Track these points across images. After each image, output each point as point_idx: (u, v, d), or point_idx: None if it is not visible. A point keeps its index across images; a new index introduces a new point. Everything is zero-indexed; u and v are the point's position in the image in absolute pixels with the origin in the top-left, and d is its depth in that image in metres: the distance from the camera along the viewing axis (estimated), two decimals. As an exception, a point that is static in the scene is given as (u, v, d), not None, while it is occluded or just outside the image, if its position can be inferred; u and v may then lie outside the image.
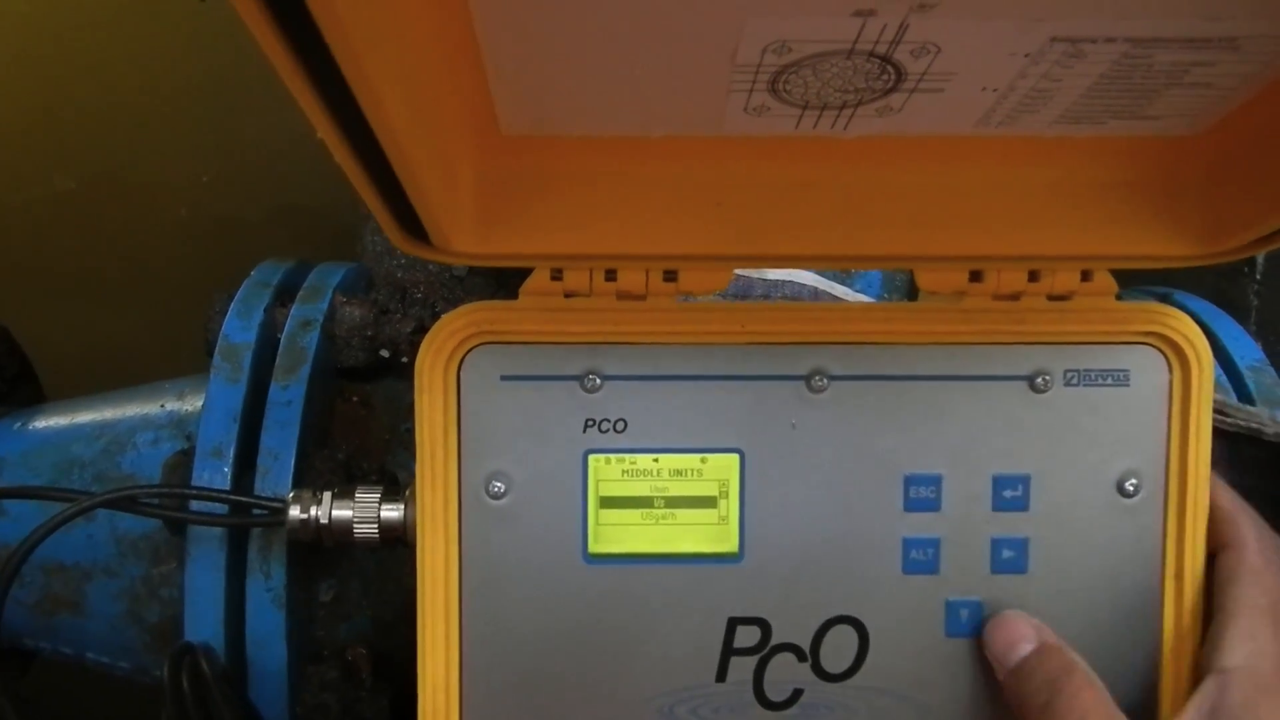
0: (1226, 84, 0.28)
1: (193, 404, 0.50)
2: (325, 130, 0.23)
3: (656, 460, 0.36)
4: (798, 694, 0.37)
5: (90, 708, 0.61)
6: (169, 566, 0.47)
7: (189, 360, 0.53)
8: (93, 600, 0.48)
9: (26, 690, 0.55)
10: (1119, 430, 0.36)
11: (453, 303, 0.53)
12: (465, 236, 0.32)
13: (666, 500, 0.36)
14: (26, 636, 0.50)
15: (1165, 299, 0.55)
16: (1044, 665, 0.34)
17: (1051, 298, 0.36)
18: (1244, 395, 0.49)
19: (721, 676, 0.37)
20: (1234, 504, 0.36)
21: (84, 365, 0.66)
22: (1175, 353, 0.36)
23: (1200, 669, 0.35)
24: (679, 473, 0.36)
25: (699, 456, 0.36)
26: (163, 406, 0.50)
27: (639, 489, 0.36)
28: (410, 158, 0.25)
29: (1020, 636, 0.35)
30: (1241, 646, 0.33)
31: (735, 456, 0.36)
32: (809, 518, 0.36)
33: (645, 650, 0.36)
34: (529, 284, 0.35)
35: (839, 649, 0.37)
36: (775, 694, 0.37)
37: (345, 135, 0.23)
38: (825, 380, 0.36)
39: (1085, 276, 0.36)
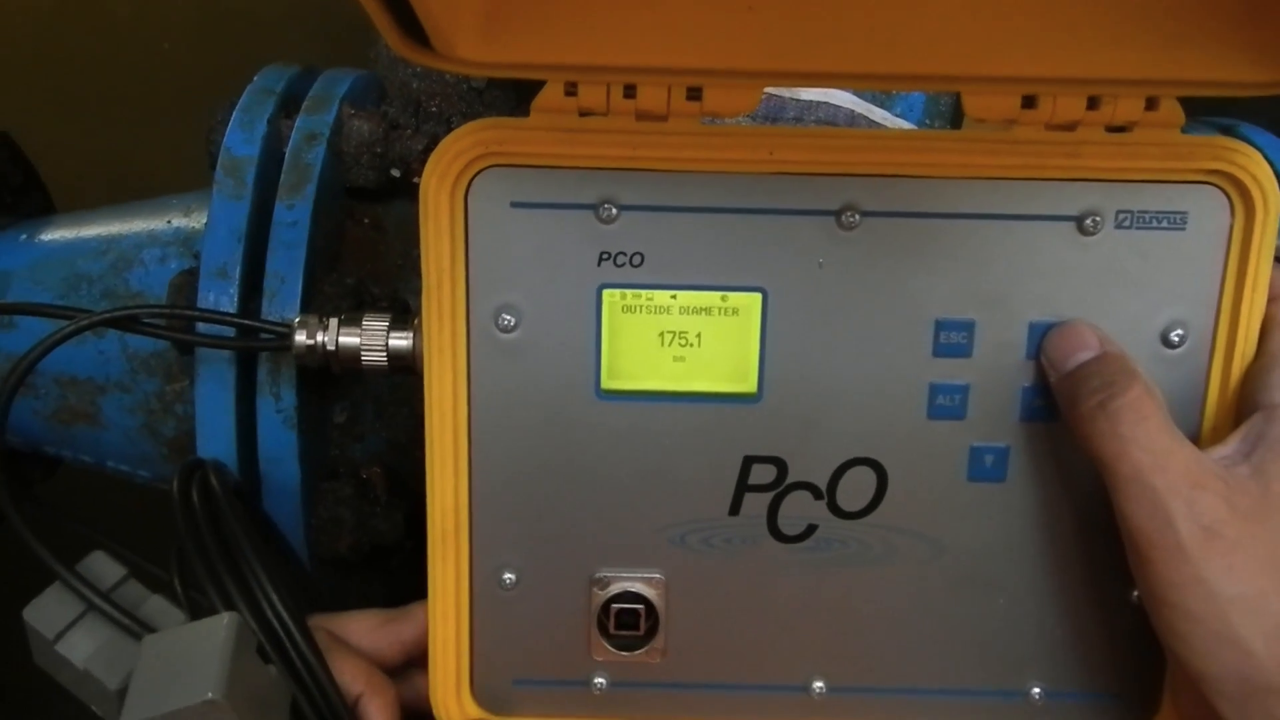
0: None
1: (199, 220, 0.48)
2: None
3: (674, 297, 0.34)
4: (812, 529, 0.36)
5: (117, 509, 0.62)
6: (182, 384, 0.46)
7: (200, 172, 0.51)
8: (108, 413, 0.48)
9: (51, 493, 0.56)
10: (1169, 277, 0.34)
11: (470, 118, 0.50)
12: (471, 41, 0.29)
13: (683, 338, 0.35)
14: (47, 444, 0.50)
15: (1229, 131, 0.51)
16: (1104, 368, 0.33)
17: (1110, 129, 0.33)
18: (1305, 239, 0.46)
19: (735, 510, 0.36)
20: None
21: (93, 177, 0.64)
22: (1241, 195, 0.33)
23: (1244, 408, 0.34)
24: (698, 310, 0.35)
25: (719, 294, 0.34)
26: (169, 223, 0.49)
27: (655, 325, 0.35)
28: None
29: (1084, 344, 0.34)
30: None
31: (758, 295, 0.34)
32: (833, 360, 0.35)
33: (657, 483, 0.36)
34: (540, 99, 0.33)
35: (856, 489, 0.36)
36: (789, 528, 0.36)
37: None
38: (857, 216, 0.34)
39: (1150, 105, 0.33)
